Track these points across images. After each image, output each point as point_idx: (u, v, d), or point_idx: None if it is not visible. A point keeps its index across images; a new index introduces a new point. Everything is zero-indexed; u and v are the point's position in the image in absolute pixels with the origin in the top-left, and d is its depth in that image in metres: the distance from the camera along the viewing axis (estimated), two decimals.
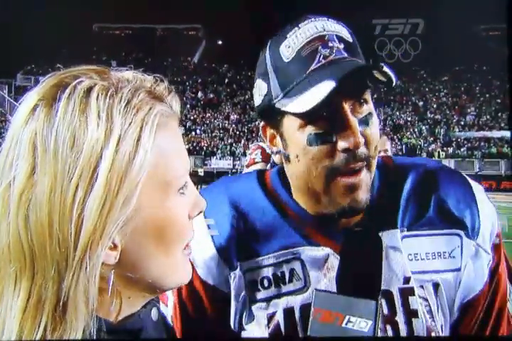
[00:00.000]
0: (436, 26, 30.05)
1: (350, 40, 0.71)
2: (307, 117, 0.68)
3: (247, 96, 28.88)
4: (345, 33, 0.71)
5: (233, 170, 19.71)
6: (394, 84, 0.67)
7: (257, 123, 26.42)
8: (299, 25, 0.70)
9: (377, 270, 0.66)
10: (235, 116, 27.51)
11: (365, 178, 0.70)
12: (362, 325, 0.62)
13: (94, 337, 0.46)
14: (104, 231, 0.45)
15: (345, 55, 0.68)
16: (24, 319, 0.44)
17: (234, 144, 24.60)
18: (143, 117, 0.48)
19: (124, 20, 33.25)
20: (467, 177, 0.82)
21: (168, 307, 0.83)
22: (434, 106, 27.90)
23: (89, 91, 0.47)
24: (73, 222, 0.44)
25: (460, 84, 29.35)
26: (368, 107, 0.70)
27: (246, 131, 25.80)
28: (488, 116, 26.26)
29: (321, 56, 0.68)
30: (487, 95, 28.04)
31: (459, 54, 27.92)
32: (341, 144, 0.67)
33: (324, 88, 0.64)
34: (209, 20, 32.20)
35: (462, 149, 23.32)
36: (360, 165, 0.69)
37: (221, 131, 25.74)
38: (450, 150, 23.24)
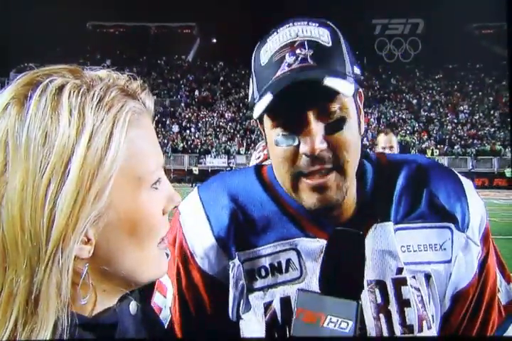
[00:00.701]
0: (434, 26, 30.08)
1: (329, 44, 0.71)
2: (277, 119, 0.71)
3: (241, 95, 28.80)
4: (324, 37, 0.71)
5: (228, 169, 19.66)
6: (346, 94, 0.68)
7: (251, 121, 26.29)
8: (278, 30, 0.72)
9: (359, 270, 0.67)
10: (230, 114, 27.48)
11: (335, 180, 0.71)
12: (343, 325, 0.63)
13: (67, 332, 0.46)
14: (77, 226, 0.46)
15: (310, 62, 0.68)
16: None
17: (228, 142, 24.57)
18: (115, 114, 0.49)
19: (118, 19, 33.05)
20: (457, 173, 0.85)
21: (167, 299, 0.84)
22: (428, 104, 28.00)
23: (61, 89, 0.48)
24: (45, 216, 0.45)
25: (453, 82, 29.48)
26: (343, 112, 0.70)
27: (241, 129, 25.77)
28: (480, 114, 26.40)
29: (286, 64, 0.69)
30: (480, 93, 28.20)
31: (453, 53, 28.01)
32: (301, 148, 0.69)
33: (265, 101, 0.68)
34: (203, 18, 32.09)
35: (456, 147, 23.45)
36: (324, 169, 0.70)
37: (216, 129, 25.70)
38: (444, 148, 23.36)
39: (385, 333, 0.74)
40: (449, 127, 25.51)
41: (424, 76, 30.42)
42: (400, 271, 0.76)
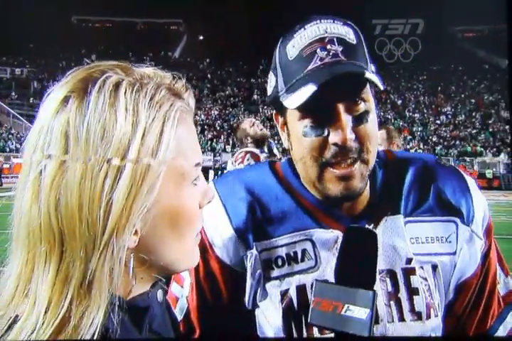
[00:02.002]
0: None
1: (354, 41, 0.75)
2: (305, 111, 0.74)
3: (227, 92, 28.78)
4: (349, 35, 0.75)
5: (216, 166, 19.58)
6: (381, 88, 0.73)
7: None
8: (305, 27, 0.76)
9: (372, 264, 0.70)
10: (216, 111, 27.42)
11: (359, 169, 0.75)
12: (360, 313, 0.66)
13: (113, 312, 0.49)
14: (130, 218, 0.49)
15: (342, 57, 0.72)
16: (53, 292, 0.48)
17: (214, 140, 24.52)
18: (165, 112, 0.52)
19: (104, 13, 32.62)
20: (461, 170, 0.90)
21: (184, 288, 0.86)
22: (413, 105, 28.37)
23: (117, 85, 0.50)
24: (102, 207, 0.47)
25: (437, 84, 29.93)
26: (366, 105, 0.75)
27: (226, 126, 25.74)
28: (463, 116, 26.87)
29: (318, 58, 0.73)
30: (462, 95, 28.69)
31: (439, 54, 28.41)
32: (331, 139, 0.73)
33: (307, 91, 0.71)
34: (191, 15, 31.89)
35: (438, 147, 23.83)
36: (351, 158, 0.75)
37: (203, 127, 25.60)
38: (426, 148, 23.72)
39: (396, 319, 0.78)
40: (432, 128, 25.92)
41: (410, 77, 30.82)
42: (409, 261, 0.80)
